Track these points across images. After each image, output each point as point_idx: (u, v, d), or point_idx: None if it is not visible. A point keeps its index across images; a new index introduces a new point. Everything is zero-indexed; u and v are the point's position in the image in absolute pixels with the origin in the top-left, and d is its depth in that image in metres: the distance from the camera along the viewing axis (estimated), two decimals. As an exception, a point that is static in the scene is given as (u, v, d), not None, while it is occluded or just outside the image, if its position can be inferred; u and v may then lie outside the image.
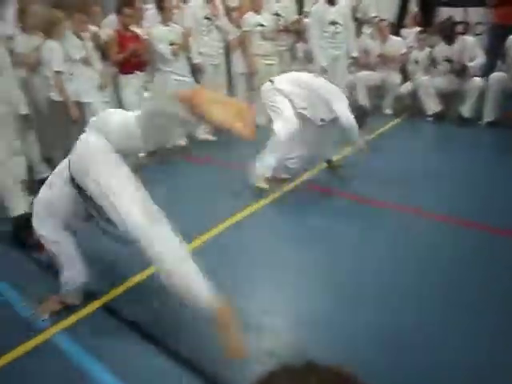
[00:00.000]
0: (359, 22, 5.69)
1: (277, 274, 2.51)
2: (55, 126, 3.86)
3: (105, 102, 4.07)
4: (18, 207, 3.16)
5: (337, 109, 3.27)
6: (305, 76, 3.52)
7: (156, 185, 3.56)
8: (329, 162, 3.73)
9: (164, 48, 4.47)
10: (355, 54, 5.31)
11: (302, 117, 3.35)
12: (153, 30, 4.51)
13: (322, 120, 3.38)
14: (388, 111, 5.67)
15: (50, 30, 3.55)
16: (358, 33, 5.64)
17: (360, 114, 3.37)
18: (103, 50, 4.17)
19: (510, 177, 3.62)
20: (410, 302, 2.19)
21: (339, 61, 5.17)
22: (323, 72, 5.07)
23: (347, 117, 3.25)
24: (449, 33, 5.10)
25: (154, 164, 3.95)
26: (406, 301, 2.19)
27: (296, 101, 3.33)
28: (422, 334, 1.96)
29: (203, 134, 4.97)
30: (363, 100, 5.71)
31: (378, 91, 5.76)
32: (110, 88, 4.36)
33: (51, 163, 4.10)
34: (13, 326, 2.17)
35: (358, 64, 5.50)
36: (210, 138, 4.98)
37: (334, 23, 4.98)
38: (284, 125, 3.25)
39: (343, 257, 2.62)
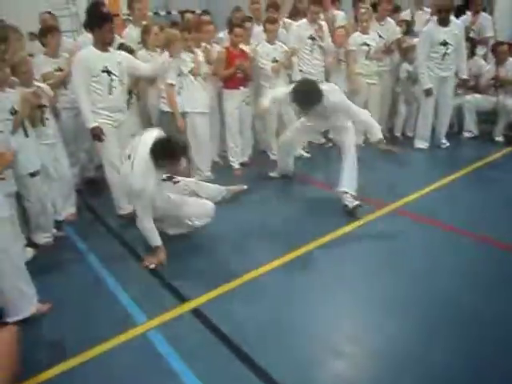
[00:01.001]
0: (472, 43, 5.34)
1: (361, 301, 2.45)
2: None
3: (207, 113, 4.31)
4: (125, 207, 3.51)
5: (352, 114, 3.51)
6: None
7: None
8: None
9: (266, 65, 4.64)
10: (465, 76, 5.00)
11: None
12: (259, 48, 4.69)
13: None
14: (499, 139, 5.22)
15: (167, 47, 3.88)
16: (471, 54, 5.29)
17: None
18: (213, 65, 4.43)
19: None
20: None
21: (447, 82, 4.92)
22: (428, 94, 4.87)
23: (362, 114, 3.49)
24: None
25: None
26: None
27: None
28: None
29: (299, 150, 5.01)
30: (470, 125, 5.35)
31: (489, 116, 5.34)
32: (214, 101, 4.61)
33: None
34: (113, 316, 2.39)
35: (466, 86, 5.16)
36: (306, 154, 5.01)
37: (444, 44, 4.77)
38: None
39: (433, 286, 2.48)
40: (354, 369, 2.01)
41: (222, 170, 4.63)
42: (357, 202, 3.44)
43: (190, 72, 4.05)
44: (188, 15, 5.65)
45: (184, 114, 4.09)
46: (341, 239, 3.14)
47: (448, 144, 5.08)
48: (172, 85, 3.93)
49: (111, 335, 2.22)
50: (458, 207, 3.53)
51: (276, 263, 2.83)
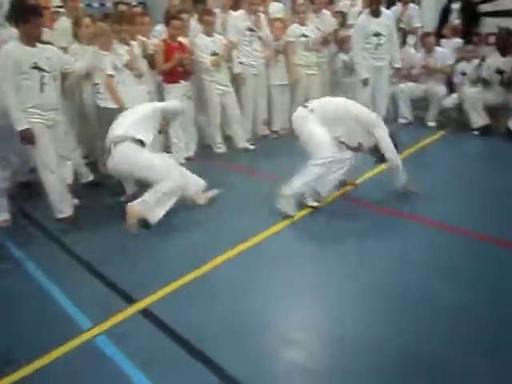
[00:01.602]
0: (403, 33, 5.60)
1: (312, 287, 2.52)
2: (100, 131, 4.05)
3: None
4: (65, 210, 3.33)
5: (377, 133, 3.31)
6: (341, 102, 3.50)
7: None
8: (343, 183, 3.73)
9: (206, 58, 4.59)
10: (398, 65, 5.23)
11: (337, 143, 3.36)
12: (196, 40, 4.63)
13: (360, 144, 3.40)
14: (431, 124, 5.53)
15: (97, 40, 3.73)
16: (402, 43, 5.55)
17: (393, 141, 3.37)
18: (150, 59, 4.32)
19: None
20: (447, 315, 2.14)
21: (382, 72, 5.12)
22: (365, 83, 5.05)
23: (387, 142, 3.30)
24: (504, 44, 4.93)
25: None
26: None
27: (332, 127, 3.30)
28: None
29: (243, 143, 5.02)
30: (405, 112, 5.62)
31: (421, 103, 5.63)
32: (154, 96, 4.51)
33: (93, 167, 4.33)
34: (57, 324, 2.29)
35: (400, 75, 5.41)
36: (250, 147, 5.03)
37: (377, 35, 4.96)
38: (321, 153, 3.20)
39: (376, 271, 2.59)
40: (310, 356, 2.04)
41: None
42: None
43: (125, 66, 3.90)
44: (122, 7, 5.45)
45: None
46: (292, 227, 3.19)
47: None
48: (111, 75, 3.77)
49: (57, 344, 2.12)
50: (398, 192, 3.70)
51: (225, 257, 2.83)
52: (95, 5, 9.48)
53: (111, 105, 3.80)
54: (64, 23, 4.37)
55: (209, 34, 4.62)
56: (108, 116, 3.77)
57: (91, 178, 4.20)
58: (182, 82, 4.45)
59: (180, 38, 4.47)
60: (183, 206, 3.69)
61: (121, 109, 3.73)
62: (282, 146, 5.16)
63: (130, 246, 3.07)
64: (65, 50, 3.87)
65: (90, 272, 2.76)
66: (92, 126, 4.15)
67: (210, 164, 4.67)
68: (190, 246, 3.03)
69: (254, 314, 2.29)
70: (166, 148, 4.75)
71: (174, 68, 4.34)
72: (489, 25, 5.86)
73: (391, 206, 3.42)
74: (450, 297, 2.31)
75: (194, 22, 4.88)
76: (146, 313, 2.33)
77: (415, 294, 2.36)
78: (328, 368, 1.97)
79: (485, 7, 5.83)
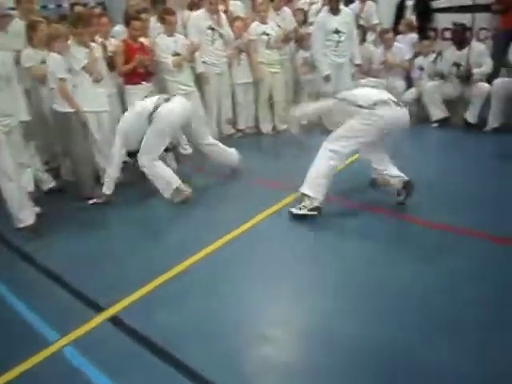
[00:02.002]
0: (362, 30, 5.71)
1: (286, 286, 2.53)
2: (58, 136, 3.94)
3: (109, 111, 4.11)
4: (25, 219, 3.22)
5: None
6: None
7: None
8: None
9: (167, 59, 4.53)
10: (358, 62, 5.34)
11: None
12: (157, 40, 4.56)
13: None
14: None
15: (53, 44, 3.62)
16: (362, 40, 5.66)
17: None
18: (110, 61, 4.22)
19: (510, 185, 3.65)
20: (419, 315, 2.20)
21: (343, 68, 5.21)
22: (327, 80, 5.12)
23: None
24: (460, 37, 5.11)
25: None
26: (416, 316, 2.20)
27: None
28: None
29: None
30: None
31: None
32: (115, 98, 4.42)
33: (55, 173, 4.20)
34: (22, 338, 2.21)
35: (360, 71, 5.52)
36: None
37: (337, 32, 5.05)
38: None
39: (353, 270, 2.63)
40: (284, 354, 2.05)
41: (134, 170, 4.47)
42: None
43: (84, 69, 3.78)
44: (78, 8, 5.30)
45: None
46: (261, 226, 3.19)
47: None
48: (63, 79, 3.62)
49: (22, 359, 2.04)
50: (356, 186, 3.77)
51: (195, 258, 2.80)
52: (51, 6, 9.19)
53: (68, 109, 3.67)
54: (17, 25, 4.19)
55: (170, 34, 4.56)
56: (65, 120, 3.66)
57: (53, 184, 4.07)
58: (144, 83, 4.37)
59: (141, 39, 4.40)
60: (148, 209, 3.66)
61: (77, 113, 3.63)
62: (247, 145, 5.17)
63: (94, 252, 3.00)
64: (17, 53, 3.73)
65: (55, 281, 2.67)
66: (51, 131, 4.02)
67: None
68: (157, 249, 2.99)
69: (227, 313, 2.28)
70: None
71: (135, 69, 4.27)
72: (441, 20, 6.07)
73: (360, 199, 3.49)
74: (437, 294, 2.34)
75: (153, 22, 4.81)
76: (114, 320, 2.28)
77: (393, 291, 2.39)
78: (304, 365, 1.97)
79: (437, 3, 6.03)
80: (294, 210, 3.18)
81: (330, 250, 2.84)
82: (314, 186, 3.13)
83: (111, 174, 3.71)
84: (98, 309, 2.37)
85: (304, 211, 3.14)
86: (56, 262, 2.86)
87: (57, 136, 3.88)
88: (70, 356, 2.06)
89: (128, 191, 4.01)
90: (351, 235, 2.99)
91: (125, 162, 4.47)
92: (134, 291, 2.48)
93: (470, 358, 1.88)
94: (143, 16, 4.53)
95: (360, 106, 3.07)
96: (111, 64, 4.23)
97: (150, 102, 3.68)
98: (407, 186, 3.23)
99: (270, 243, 2.97)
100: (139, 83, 4.35)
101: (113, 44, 4.35)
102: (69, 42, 3.74)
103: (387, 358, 1.92)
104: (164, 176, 3.66)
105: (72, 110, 3.66)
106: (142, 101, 3.82)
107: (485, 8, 5.57)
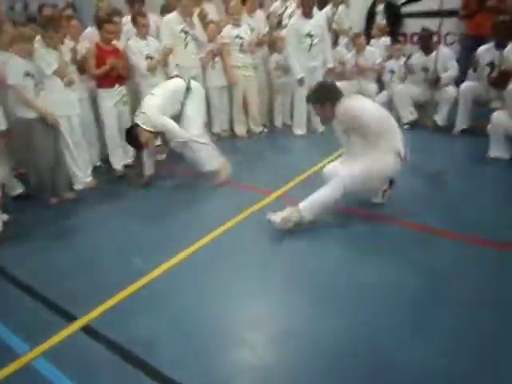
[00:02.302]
0: (335, 34, 5.80)
1: (261, 288, 2.54)
2: (24, 142, 3.80)
3: (80, 115, 4.03)
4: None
5: None
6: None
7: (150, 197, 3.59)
8: None
9: (140, 62, 4.48)
10: (331, 65, 5.41)
11: None
12: (130, 43, 4.51)
13: None
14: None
15: (13, 46, 3.52)
16: (334, 44, 5.75)
17: None
18: (80, 64, 4.14)
19: (479, 185, 3.78)
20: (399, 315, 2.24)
21: (316, 72, 5.27)
22: (301, 83, 5.17)
23: None
24: (427, 43, 5.24)
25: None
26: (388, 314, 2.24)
27: None
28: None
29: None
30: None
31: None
32: (87, 101, 4.35)
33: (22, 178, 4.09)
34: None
35: (333, 74, 5.59)
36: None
37: (310, 35, 5.10)
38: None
39: (329, 272, 2.66)
40: (262, 356, 2.05)
41: (105, 175, 4.41)
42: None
43: (55, 73, 3.69)
44: (47, 10, 5.19)
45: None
46: (235, 229, 3.20)
47: (323, 128, 5.45)
48: (12, 85, 3.46)
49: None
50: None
51: (169, 263, 2.78)
52: (18, 8, 8.95)
53: (30, 115, 3.55)
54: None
55: (143, 37, 4.52)
56: (26, 127, 3.54)
57: (21, 190, 3.96)
58: (117, 86, 4.31)
59: (114, 42, 4.33)
60: (119, 215, 3.61)
61: (45, 116, 3.55)
62: (222, 148, 5.15)
63: (65, 260, 2.94)
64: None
65: (25, 291, 2.60)
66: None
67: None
68: (130, 255, 2.94)
69: (202, 318, 2.27)
70: (105, 156, 4.60)
71: (108, 73, 4.20)
72: (410, 25, 6.23)
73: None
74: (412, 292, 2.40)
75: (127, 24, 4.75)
76: (87, 329, 2.24)
77: (369, 292, 2.43)
78: (280, 368, 1.98)
79: (406, 9, 6.19)
80: (277, 222, 3.03)
81: (305, 252, 2.87)
82: (315, 210, 3.07)
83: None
84: (70, 318, 2.32)
85: (290, 225, 3.03)
86: (25, 271, 2.80)
87: (23, 141, 3.76)
88: (41, 367, 2.01)
89: (98, 196, 3.95)
90: (326, 236, 3.02)
91: (95, 167, 4.42)
92: (107, 299, 2.44)
93: (445, 357, 1.93)
94: (116, 19, 4.46)
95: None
96: (81, 67, 4.16)
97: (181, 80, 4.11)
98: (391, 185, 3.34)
99: (245, 246, 2.98)
100: (112, 87, 4.28)
101: (84, 47, 4.27)
102: (36, 45, 3.64)
103: (365, 359, 1.95)
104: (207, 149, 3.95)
105: (34, 117, 3.55)
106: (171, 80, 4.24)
107: (452, 13, 5.75)
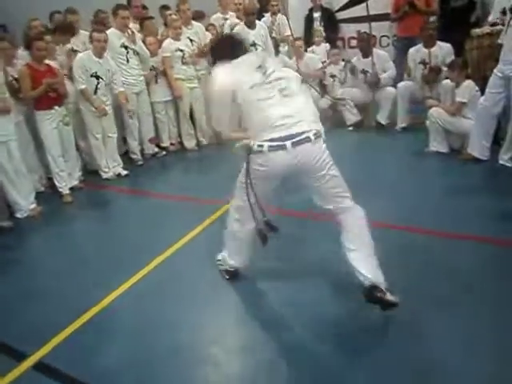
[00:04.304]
0: (275, 42, 5.91)
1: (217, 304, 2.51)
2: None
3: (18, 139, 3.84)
4: None
5: None
6: None
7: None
8: None
9: (81, 84, 4.37)
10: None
11: None
12: (79, 60, 4.37)
13: None
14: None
15: None
16: (275, 52, 5.85)
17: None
18: (13, 87, 3.96)
19: (419, 178, 3.96)
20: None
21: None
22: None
23: None
24: (365, 46, 5.44)
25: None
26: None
27: None
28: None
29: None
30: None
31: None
32: (23, 125, 4.15)
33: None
34: None
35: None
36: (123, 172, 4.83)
37: (254, 45, 5.18)
38: None
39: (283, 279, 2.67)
40: (223, 371, 2.03)
41: (50, 199, 4.22)
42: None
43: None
44: (-27, 32, 4.92)
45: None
46: (187, 246, 3.13)
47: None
48: None
49: None
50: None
51: (122, 288, 2.67)
52: None
53: None
54: None
55: (99, 55, 4.41)
56: None
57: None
58: (57, 107, 4.14)
59: (48, 61, 4.17)
60: (66, 238, 3.47)
61: None
62: (172, 163, 5.12)
63: (11, 291, 2.76)
64: None
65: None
66: None
67: (100, 190, 4.45)
68: (80, 282, 2.80)
69: (160, 341, 2.20)
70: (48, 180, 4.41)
71: (45, 94, 4.03)
72: (346, 30, 6.47)
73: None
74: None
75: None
76: (39, 366, 2.11)
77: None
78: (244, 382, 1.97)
79: (340, 14, 6.42)
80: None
81: (260, 266, 2.84)
82: (232, 252, 2.61)
83: None
84: (20, 356, 2.18)
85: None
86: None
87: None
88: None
89: (42, 224, 3.78)
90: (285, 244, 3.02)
91: (39, 193, 4.24)
92: (59, 332, 2.31)
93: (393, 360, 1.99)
94: (47, 38, 4.29)
95: None
96: (14, 90, 3.97)
97: None
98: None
99: (197, 264, 2.89)
100: (51, 108, 4.11)
101: (17, 69, 4.08)
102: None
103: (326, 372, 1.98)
104: None
105: None
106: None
107: (384, 17, 6.03)
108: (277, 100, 2.13)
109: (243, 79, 2.16)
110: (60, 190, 4.24)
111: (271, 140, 2.08)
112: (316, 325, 2.20)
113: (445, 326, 2.10)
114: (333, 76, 5.84)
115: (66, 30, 4.70)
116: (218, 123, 2.38)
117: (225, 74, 2.22)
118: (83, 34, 4.85)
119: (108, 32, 4.68)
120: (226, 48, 2.37)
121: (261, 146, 2.10)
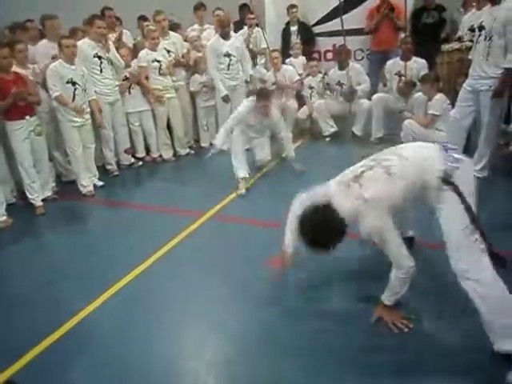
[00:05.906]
0: (252, 54, 5.96)
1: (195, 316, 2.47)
2: None
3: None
4: None
5: None
6: None
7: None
8: None
9: (55, 92, 4.26)
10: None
11: None
12: (53, 67, 4.24)
13: None
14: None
15: None
16: (253, 64, 5.91)
17: None
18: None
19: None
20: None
21: (237, 91, 5.40)
22: (226, 100, 5.28)
23: None
24: (342, 59, 5.55)
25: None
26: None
27: None
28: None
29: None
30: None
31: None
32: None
33: None
34: None
35: (253, 93, 5.71)
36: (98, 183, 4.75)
37: (228, 55, 5.24)
38: None
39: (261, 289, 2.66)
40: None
41: (23, 211, 4.11)
42: None
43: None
44: None
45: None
46: (164, 257, 3.09)
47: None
48: None
49: None
50: (263, 203, 3.90)
51: (99, 301, 2.62)
52: None
53: None
54: None
55: (70, 62, 4.30)
56: None
57: None
58: (27, 117, 4.03)
59: (16, 69, 4.06)
60: (40, 249, 3.37)
61: None
62: (148, 174, 5.07)
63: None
64: None
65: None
66: None
67: (75, 201, 4.36)
68: (55, 294, 2.74)
69: (136, 357, 2.15)
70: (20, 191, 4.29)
71: (15, 104, 3.91)
72: (322, 44, 6.58)
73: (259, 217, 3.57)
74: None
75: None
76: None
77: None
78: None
79: (316, 29, 6.54)
80: None
81: (235, 274, 2.84)
82: None
83: None
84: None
85: None
86: None
87: None
88: None
89: (12, 236, 3.67)
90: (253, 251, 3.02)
91: (10, 204, 4.11)
92: (29, 349, 2.23)
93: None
94: (19, 46, 4.18)
95: None
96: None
97: None
98: None
99: (173, 276, 2.86)
100: (22, 118, 4.00)
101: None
102: None
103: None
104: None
105: None
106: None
107: (358, 32, 6.17)
108: None
109: None
110: (32, 201, 4.12)
111: None
112: (296, 336, 2.20)
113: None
114: (311, 87, 5.91)
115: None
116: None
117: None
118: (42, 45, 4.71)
119: (80, 42, 4.62)
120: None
121: None
